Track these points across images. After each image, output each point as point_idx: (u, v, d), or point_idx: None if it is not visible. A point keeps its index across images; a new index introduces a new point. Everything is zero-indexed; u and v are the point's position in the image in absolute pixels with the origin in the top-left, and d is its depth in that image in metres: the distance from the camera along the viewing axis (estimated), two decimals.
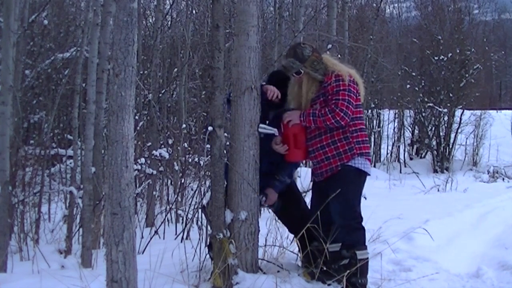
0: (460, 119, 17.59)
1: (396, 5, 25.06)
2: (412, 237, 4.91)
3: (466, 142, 17.80)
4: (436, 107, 16.87)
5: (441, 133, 17.35)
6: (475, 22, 24.90)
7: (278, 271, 3.81)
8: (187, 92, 12.09)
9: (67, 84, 10.53)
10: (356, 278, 3.50)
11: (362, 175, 3.58)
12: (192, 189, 7.60)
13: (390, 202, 8.32)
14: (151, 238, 5.86)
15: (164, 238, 6.44)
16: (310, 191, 8.03)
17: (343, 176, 3.54)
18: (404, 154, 18.05)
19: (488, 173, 15.13)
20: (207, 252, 3.88)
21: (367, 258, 3.58)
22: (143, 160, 7.40)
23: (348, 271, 3.58)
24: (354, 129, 3.59)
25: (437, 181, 11.76)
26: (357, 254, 3.50)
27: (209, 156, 3.85)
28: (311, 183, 3.94)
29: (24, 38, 8.87)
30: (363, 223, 3.60)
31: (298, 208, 3.93)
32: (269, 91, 3.68)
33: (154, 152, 7.49)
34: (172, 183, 8.84)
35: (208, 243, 3.93)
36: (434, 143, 17.40)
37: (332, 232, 3.61)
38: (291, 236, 4.13)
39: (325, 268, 3.71)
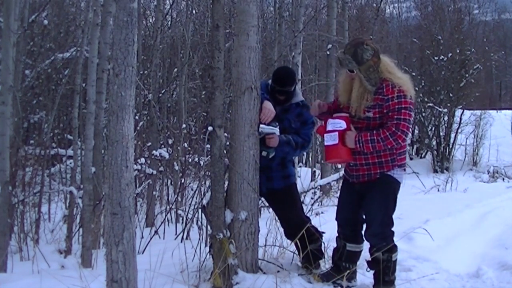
0: (460, 119, 17.57)
1: (396, 5, 25.12)
2: (412, 237, 4.91)
3: (466, 142, 17.77)
4: (436, 107, 16.86)
5: (441, 133, 17.34)
6: (475, 22, 24.96)
7: (278, 271, 3.81)
8: (187, 92, 12.09)
9: (67, 84, 10.54)
10: (388, 277, 3.59)
11: (398, 186, 3.61)
12: (192, 189, 7.60)
13: None
14: (151, 238, 5.86)
15: (164, 238, 6.44)
16: (310, 191, 8.09)
17: (383, 187, 3.54)
18: None
19: (488, 173, 15.11)
20: (208, 251, 3.87)
21: (397, 258, 3.68)
22: (143, 160, 7.41)
23: (348, 271, 3.68)
24: None
25: (437, 181, 11.74)
26: (392, 257, 3.58)
27: (209, 156, 3.85)
28: (343, 180, 3.91)
29: (24, 38, 8.88)
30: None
31: (293, 212, 3.91)
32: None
33: (154, 152, 7.49)
34: (172, 183, 8.85)
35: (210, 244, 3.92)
36: (434, 143, 17.39)
37: (358, 234, 3.73)
38: None
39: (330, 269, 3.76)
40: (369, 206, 3.60)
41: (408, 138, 3.50)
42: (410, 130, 3.50)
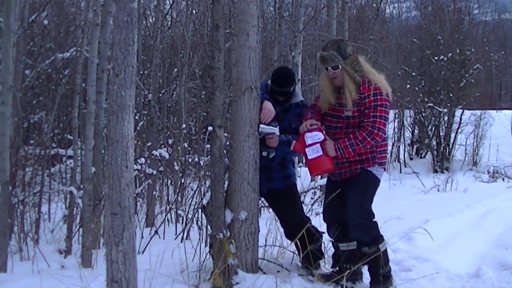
0: (460, 119, 17.57)
1: (396, 5, 25.08)
2: (412, 237, 4.91)
3: (466, 142, 17.78)
4: (436, 107, 16.86)
5: (441, 133, 17.34)
6: (475, 22, 24.98)
7: (278, 271, 3.81)
8: (187, 92, 12.09)
9: (67, 84, 10.54)
10: (382, 269, 3.57)
11: (377, 182, 3.65)
12: (192, 189, 7.61)
13: (390, 202, 8.32)
14: (151, 238, 5.86)
15: (164, 238, 6.44)
16: (310, 191, 8.09)
17: (363, 182, 3.58)
18: (404, 154, 18.03)
19: (488, 173, 15.12)
20: (208, 251, 3.87)
21: (386, 248, 3.66)
22: (143, 160, 7.42)
23: (348, 271, 3.66)
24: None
25: (437, 181, 11.75)
26: (380, 248, 3.57)
27: (209, 156, 3.84)
28: (326, 180, 3.94)
29: (24, 38, 8.87)
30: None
31: (293, 212, 3.91)
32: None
33: (154, 152, 7.50)
34: (172, 183, 8.85)
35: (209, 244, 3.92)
36: (434, 143, 17.39)
37: (347, 232, 3.69)
38: None
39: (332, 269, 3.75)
40: (348, 200, 3.61)
41: (385, 134, 3.52)
42: (386, 126, 3.53)
